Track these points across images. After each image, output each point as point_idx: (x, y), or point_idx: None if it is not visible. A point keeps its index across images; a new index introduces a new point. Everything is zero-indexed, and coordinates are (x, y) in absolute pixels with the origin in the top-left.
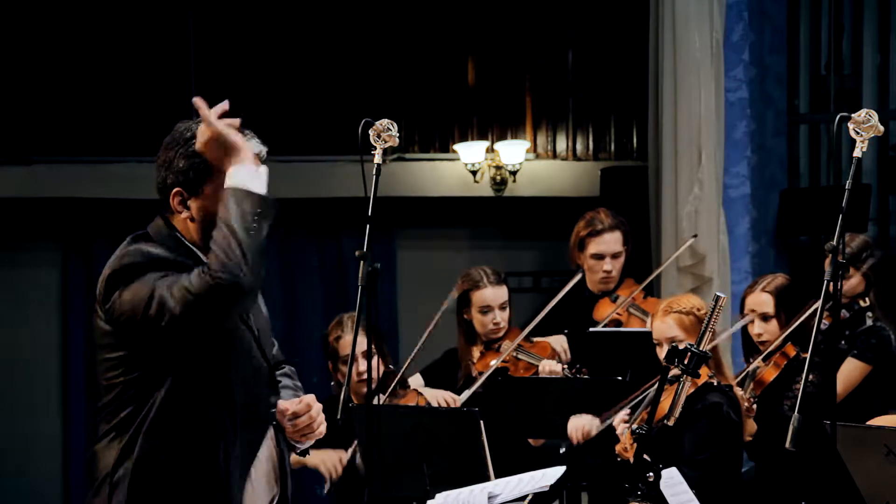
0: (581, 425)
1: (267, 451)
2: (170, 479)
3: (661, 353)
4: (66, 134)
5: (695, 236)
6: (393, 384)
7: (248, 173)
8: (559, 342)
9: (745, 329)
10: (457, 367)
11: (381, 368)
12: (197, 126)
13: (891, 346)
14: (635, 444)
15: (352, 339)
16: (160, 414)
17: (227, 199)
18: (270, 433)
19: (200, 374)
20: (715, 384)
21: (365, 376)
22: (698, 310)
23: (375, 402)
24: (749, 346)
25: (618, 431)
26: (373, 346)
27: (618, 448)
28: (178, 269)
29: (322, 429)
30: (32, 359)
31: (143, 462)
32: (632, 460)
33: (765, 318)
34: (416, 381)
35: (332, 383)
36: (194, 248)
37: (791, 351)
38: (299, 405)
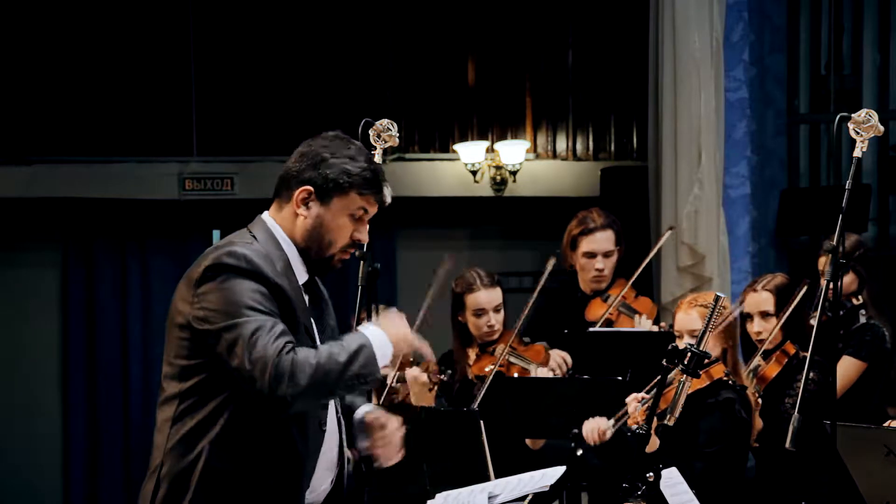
0: (596, 426)
1: (335, 437)
2: (246, 469)
3: (682, 344)
4: (66, 134)
5: (671, 228)
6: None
7: (387, 352)
8: (559, 355)
9: (744, 329)
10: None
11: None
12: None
13: (885, 343)
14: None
15: None
16: (232, 415)
17: (368, 344)
18: (334, 420)
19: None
20: (730, 382)
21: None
22: (724, 308)
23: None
24: (748, 346)
25: (630, 409)
26: None
27: (630, 421)
28: (273, 292)
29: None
30: (32, 359)
31: (217, 452)
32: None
33: (764, 316)
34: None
35: None
36: (292, 248)
37: (791, 349)
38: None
